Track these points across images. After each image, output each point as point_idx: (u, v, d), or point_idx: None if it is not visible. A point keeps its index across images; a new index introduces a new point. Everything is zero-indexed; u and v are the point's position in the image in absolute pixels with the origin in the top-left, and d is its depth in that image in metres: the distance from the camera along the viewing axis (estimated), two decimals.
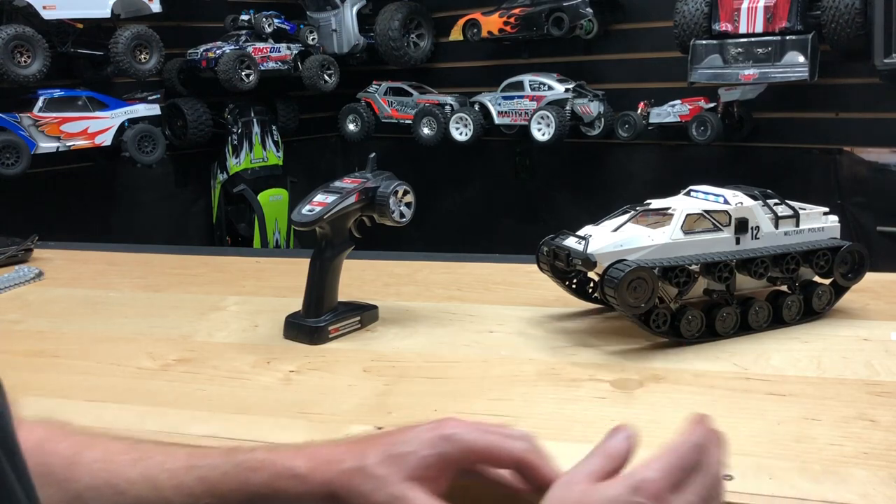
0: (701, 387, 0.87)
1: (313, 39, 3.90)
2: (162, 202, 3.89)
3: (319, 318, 1.06)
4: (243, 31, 3.71)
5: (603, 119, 3.47)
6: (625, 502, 0.51)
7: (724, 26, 2.95)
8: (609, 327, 1.06)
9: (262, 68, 3.67)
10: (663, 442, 0.72)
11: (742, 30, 2.92)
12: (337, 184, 1.09)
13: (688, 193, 1.07)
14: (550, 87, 3.48)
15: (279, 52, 3.78)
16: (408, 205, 1.09)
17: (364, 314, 1.11)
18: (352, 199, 1.05)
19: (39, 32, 2.95)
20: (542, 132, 3.45)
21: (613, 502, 0.51)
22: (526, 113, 3.52)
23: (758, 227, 1.01)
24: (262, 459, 0.61)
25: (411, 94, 3.93)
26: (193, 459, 0.62)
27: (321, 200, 1.05)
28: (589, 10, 3.31)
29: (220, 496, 0.60)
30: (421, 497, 0.56)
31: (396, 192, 1.07)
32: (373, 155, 1.12)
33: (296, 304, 1.09)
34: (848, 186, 3.04)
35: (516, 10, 3.48)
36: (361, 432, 0.79)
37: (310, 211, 1.04)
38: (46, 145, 3.08)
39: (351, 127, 4.04)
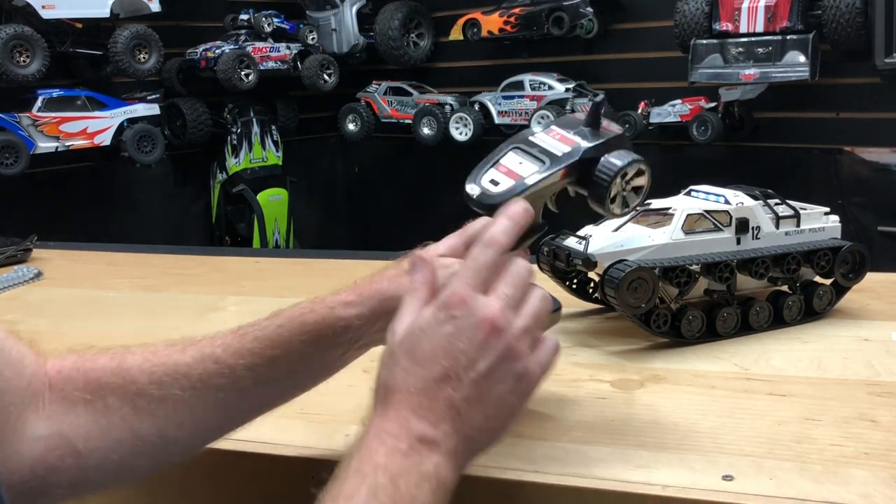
0: (701, 387, 0.86)
1: (313, 39, 3.89)
2: (161, 202, 3.89)
3: None
4: (243, 31, 3.71)
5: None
6: (435, 321, 0.57)
7: (725, 26, 2.95)
8: (609, 327, 1.06)
9: (262, 68, 3.67)
10: (662, 442, 0.72)
11: (743, 29, 2.92)
12: (539, 136, 0.75)
13: (688, 193, 1.07)
14: (550, 87, 3.48)
15: (279, 51, 3.78)
16: (636, 190, 0.75)
17: None
18: (556, 176, 0.72)
19: (38, 32, 2.95)
20: None
21: (428, 326, 0.57)
22: (526, 113, 3.52)
23: (758, 227, 1.01)
24: (311, 303, 0.68)
25: (411, 94, 3.93)
26: (240, 331, 0.66)
27: (514, 168, 0.73)
28: (589, 9, 3.32)
29: (282, 345, 0.66)
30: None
31: (625, 174, 0.73)
32: (601, 97, 0.79)
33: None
34: (849, 186, 3.04)
35: (516, 10, 3.48)
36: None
37: (493, 183, 0.72)
38: (45, 145, 3.08)
39: (351, 127, 4.03)
